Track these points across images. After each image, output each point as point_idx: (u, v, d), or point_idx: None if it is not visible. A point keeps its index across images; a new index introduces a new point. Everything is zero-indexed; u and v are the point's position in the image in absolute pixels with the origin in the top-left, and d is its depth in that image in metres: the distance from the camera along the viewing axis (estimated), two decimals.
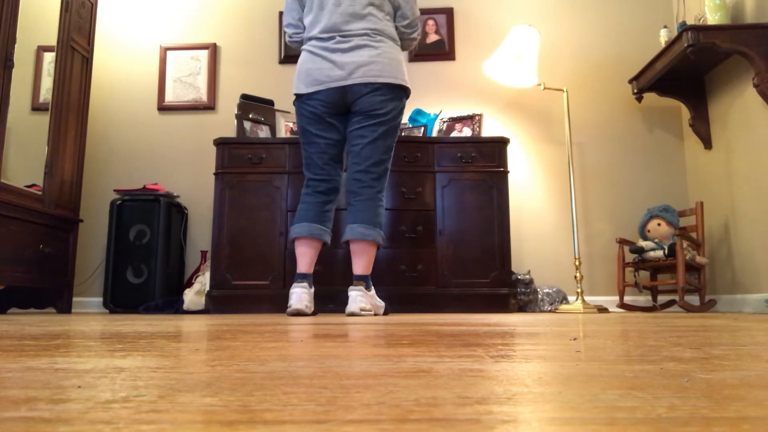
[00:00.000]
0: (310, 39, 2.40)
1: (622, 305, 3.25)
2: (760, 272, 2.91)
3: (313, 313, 2.38)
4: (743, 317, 2.03)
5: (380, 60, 2.30)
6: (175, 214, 3.50)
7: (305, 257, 2.35)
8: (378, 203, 2.35)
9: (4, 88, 2.70)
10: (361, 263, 2.32)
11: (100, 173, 3.80)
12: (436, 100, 3.81)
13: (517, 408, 0.34)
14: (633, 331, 1.11)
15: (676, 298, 3.10)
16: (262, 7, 3.97)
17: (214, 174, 3.15)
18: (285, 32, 2.55)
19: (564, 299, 3.26)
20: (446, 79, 3.84)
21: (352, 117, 2.37)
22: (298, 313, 2.24)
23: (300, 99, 2.39)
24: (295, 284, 2.31)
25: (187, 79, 3.89)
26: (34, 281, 2.93)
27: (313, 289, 2.36)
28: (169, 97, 3.87)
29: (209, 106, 3.85)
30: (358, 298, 2.26)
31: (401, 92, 2.36)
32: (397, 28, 2.44)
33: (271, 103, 3.56)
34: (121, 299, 3.27)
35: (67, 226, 3.21)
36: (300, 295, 2.26)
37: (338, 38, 2.33)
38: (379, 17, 2.36)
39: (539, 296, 3.24)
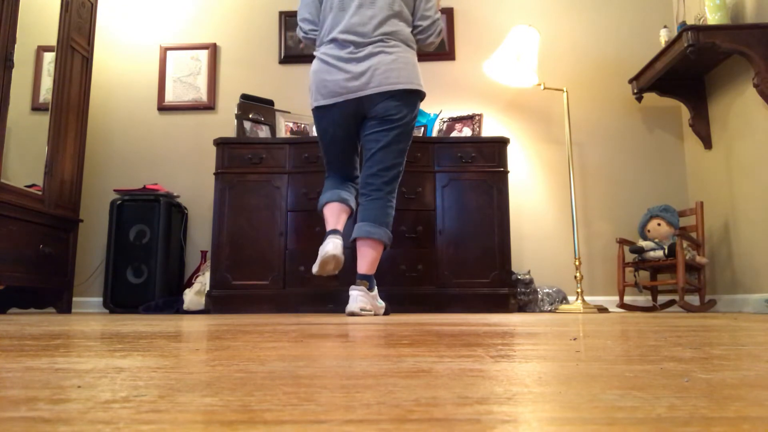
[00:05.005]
0: (324, 42, 2.42)
1: (622, 305, 3.25)
2: (760, 272, 2.91)
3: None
4: (743, 317, 2.03)
5: (395, 66, 2.33)
6: (175, 214, 3.50)
7: (333, 216, 2.40)
8: (387, 203, 2.38)
9: (4, 88, 2.70)
10: (366, 262, 2.33)
11: (100, 173, 3.80)
12: (436, 100, 3.81)
13: (517, 408, 0.34)
14: (633, 331, 1.11)
15: (676, 298, 3.10)
16: (262, 7, 3.97)
17: (214, 174, 3.15)
18: (300, 27, 2.51)
19: (564, 299, 3.26)
20: (446, 79, 3.84)
21: (368, 121, 2.41)
22: (332, 259, 2.26)
23: (318, 110, 2.43)
24: (327, 237, 2.32)
25: (187, 79, 3.89)
26: (34, 281, 2.93)
27: (341, 241, 2.36)
28: (169, 97, 3.87)
29: (209, 106, 3.84)
30: (359, 297, 2.26)
31: (416, 96, 2.39)
32: (417, 39, 2.49)
33: (271, 103, 3.56)
34: (121, 299, 3.27)
35: (67, 226, 3.21)
36: (335, 243, 2.29)
37: (353, 48, 2.35)
38: (396, 21, 2.39)
39: (539, 296, 3.24)
